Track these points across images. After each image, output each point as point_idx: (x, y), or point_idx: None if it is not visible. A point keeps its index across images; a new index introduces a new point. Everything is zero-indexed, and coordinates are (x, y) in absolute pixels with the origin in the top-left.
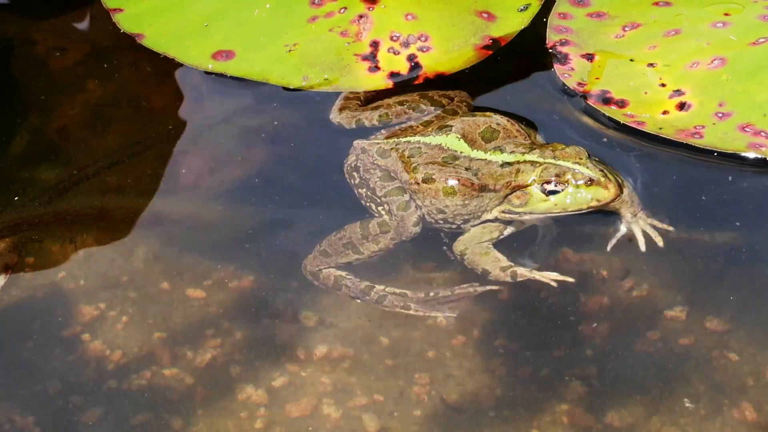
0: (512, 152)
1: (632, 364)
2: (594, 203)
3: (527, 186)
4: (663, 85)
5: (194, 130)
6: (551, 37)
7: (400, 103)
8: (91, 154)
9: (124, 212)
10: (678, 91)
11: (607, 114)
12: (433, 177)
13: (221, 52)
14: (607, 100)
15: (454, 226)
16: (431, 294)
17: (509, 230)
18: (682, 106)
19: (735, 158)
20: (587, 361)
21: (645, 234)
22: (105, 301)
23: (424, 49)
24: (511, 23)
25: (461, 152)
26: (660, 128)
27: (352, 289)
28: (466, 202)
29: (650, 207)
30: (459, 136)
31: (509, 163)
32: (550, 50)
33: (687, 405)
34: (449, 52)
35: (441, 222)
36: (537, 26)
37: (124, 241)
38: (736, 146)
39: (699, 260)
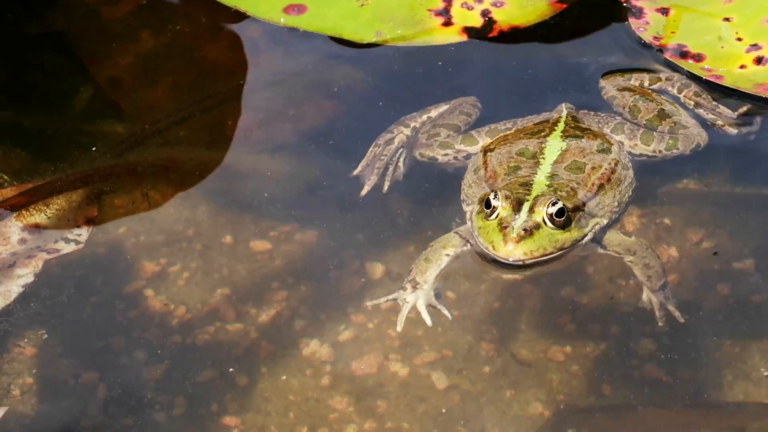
0: (549, 185)
1: (703, 317)
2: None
3: None
4: (739, 39)
5: (256, 84)
6: None
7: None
8: (157, 108)
9: (193, 164)
10: (755, 45)
11: (685, 68)
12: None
13: (293, 6)
14: (684, 54)
15: None
16: None
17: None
18: (759, 61)
19: None
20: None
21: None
22: (167, 257)
23: (498, 4)
24: None
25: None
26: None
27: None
28: None
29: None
30: (558, 152)
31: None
32: (625, 4)
33: (757, 359)
34: (523, 6)
35: None
36: None
37: (189, 194)
38: None
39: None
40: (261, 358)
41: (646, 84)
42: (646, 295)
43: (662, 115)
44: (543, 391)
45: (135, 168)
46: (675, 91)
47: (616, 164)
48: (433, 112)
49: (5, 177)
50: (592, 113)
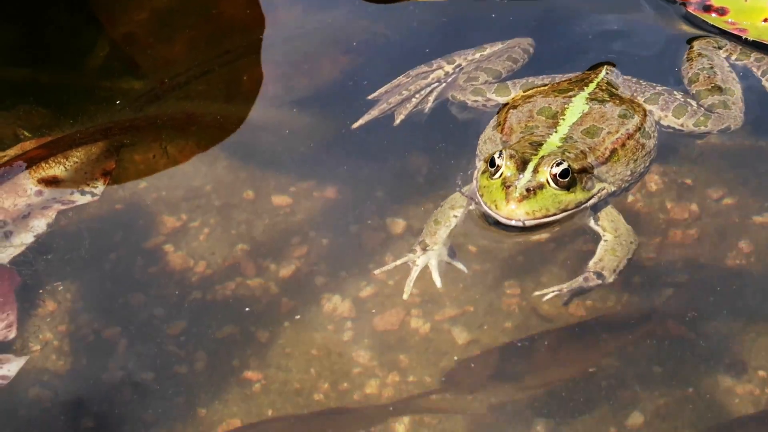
0: (560, 147)
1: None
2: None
3: None
4: None
5: (274, 39)
6: None
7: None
8: (174, 64)
9: (212, 118)
10: None
11: (708, 21)
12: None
13: None
14: (707, 8)
15: None
16: None
17: None
18: None
19: None
20: (678, 270)
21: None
22: (187, 212)
23: None
24: None
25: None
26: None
27: None
28: None
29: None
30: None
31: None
32: None
33: None
34: None
35: None
36: None
37: (208, 148)
38: None
39: None
40: (282, 313)
41: (733, 58)
42: (578, 279)
43: (714, 90)
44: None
45: (154, 121)
46: (759, 74)
47: (635, 131)
48: (488, 50)
49: (26, 133)
50: (634, 80)
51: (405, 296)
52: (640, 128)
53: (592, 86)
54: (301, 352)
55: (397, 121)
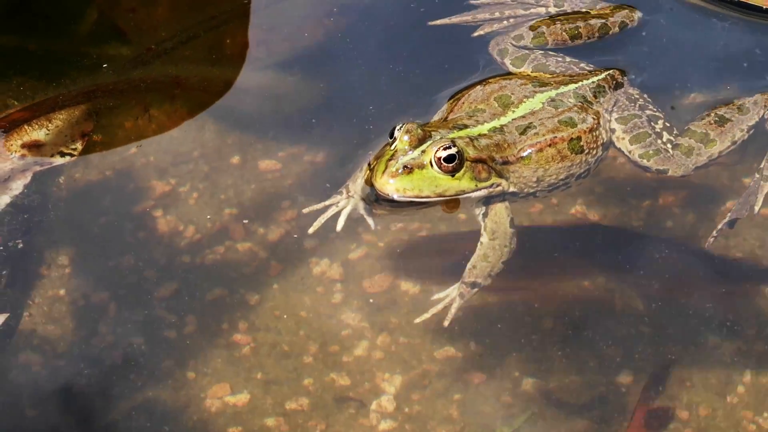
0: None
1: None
2: None
3: None
4: None
5: (259, 2)
6: None
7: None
8: (159, 29)
9: (198, 80)
10: None
11: None
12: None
13: None
14: None
15: None
16: None
17: None
18: None
19: None
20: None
21: None
22: (176, 177)
23: None
24: None
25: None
26: None
27: None
28: None
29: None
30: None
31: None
32: None
33: None
34: None
35: None
36: None
37: (194, 112)
38: None
39: None
40: (271, 276)
41: None
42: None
43: (702, 136)
44: (555, 307)
45: (138, 84)
46: None
47: (562, 141)
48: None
49: (15, 102)
50: (636, 95)
51: (310, 231)
52: (572, 140)
53: (568, 87)
54: (290, 314)
55: (476, 33)
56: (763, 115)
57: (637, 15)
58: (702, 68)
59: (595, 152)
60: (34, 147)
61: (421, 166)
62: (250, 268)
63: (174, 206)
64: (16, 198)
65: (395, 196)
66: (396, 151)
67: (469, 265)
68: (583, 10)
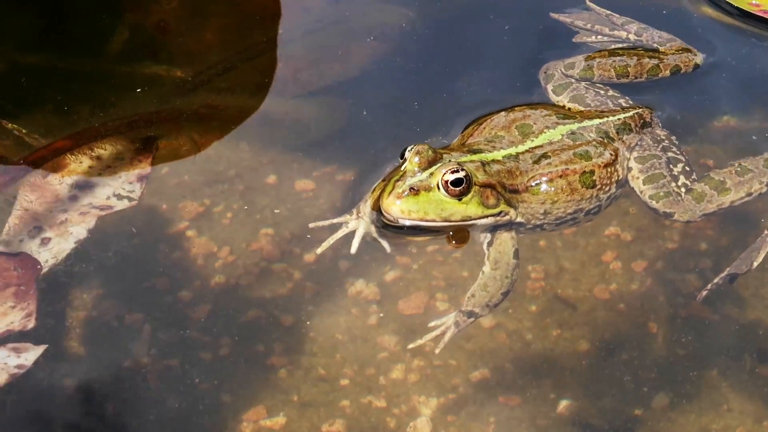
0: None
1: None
2: None
3: None
4: None
5: (299, 27)
6: None
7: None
8: (198, 53)
9: (234, 111)
10: None
11: (732, 3)
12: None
13: None
14: None
15: None
16: None
17: None
18: None
19: None
20: (702, 254)
21: None
22: (210, 197)
23: None
24: None
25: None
26: None
27: None
28: None
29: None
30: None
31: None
32: None
33: None
34: None
35: None
36: None
37: (231, 135)
38: None
39: None
40: (306, 297)
41: None
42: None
43: (718, 184)
44: (588, 329)
45: (180, 114)
46: None
47: (574, 173)
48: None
49: (52, 126)
50: (664, 134)
51: (318, 250)
52: (584, 173)
53: (592, 122)
54: (326, 336)
55: (576, 39)
56: None
57: (696, 61)
58: None
59: (608, 188)
60: (85, 187)
61: (428, 189)
62: (285, 289)
63: (208, 226)
64: (80, 243)
65: (400, 219)
66: (405, 172)
67: (468, 294)
68: (654, 46)
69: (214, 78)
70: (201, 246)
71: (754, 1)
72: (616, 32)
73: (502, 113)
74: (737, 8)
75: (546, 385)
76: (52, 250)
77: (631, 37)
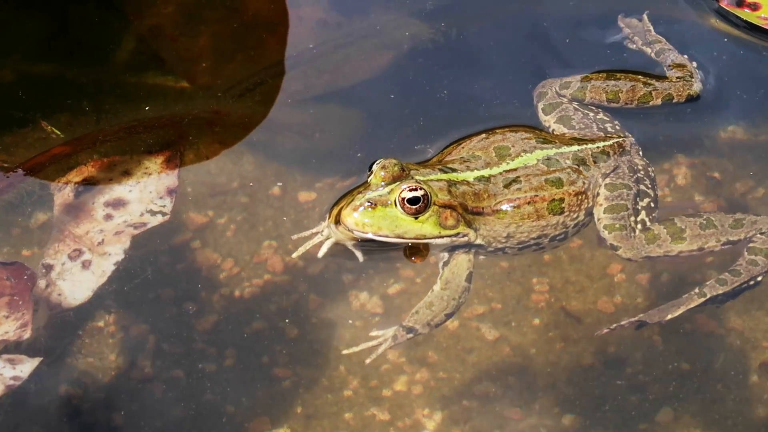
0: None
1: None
2: None
3: None
4: None
5: (298, 36)
6: None
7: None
8: (199, 61)
9: (238, 117)
10: None
11: (742, 17)
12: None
13: None
14: (740, 3)
15: None
16: None
17: None
18: None
19: None
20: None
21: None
22: (214, 209)
23: None
24: None
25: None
26: None
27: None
28: None
29: None
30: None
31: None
32: None
33: None
34: None
35: None
36: None
37: (234, 147)
38: None
39: None
40: (310, 309)
41: None
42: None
43: (678, 232)
44: (593, 343)
45: (181, 120)
46: None
47: (542, 200)
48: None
49: (55, 131)
50: (635, 167)
51: (294, 255)
52: (553, 200)
53: (570, 148)
54: (330, 348)
55: (614, 39)
56: (750, 237)
57: (690, 92)
58: None
59: (575, 215)
60: (119, 205)
61: (385, 204)
62: (289, 301)
63: (212, 238)
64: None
65: (354, 231)
66: (367, 185)
67: (413, 310)
68: (665, 70)
69: (221, 88)
70: (205, 257)
71: (763, 15)
72: (644, 47)
73: (483, 134)
74: (746, 22)
75: (550, 399)
76: (96, 273)
77: (652, 56)
